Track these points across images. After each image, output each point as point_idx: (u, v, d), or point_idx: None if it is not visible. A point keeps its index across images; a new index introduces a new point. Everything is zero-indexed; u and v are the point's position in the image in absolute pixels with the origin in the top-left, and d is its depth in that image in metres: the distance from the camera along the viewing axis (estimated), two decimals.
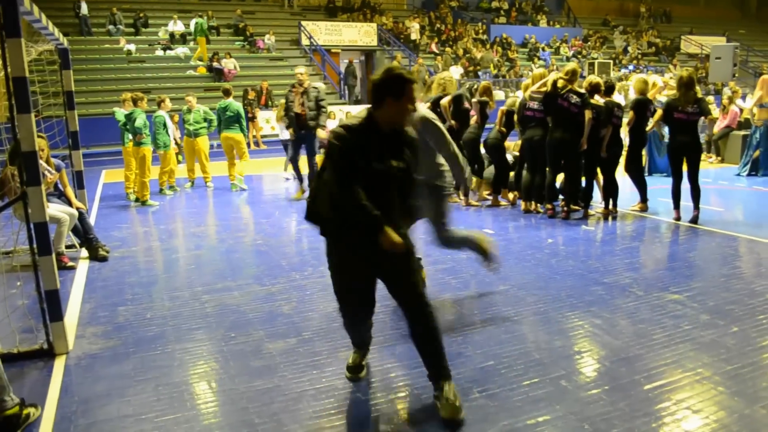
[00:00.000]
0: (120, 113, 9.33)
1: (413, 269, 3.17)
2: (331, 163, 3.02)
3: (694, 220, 7.14)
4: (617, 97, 7.76)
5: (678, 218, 7.25)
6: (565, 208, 7.48)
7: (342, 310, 3.40)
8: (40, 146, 5.50)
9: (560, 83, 7.12)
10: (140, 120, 8.80)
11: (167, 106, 9.76)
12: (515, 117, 8.00)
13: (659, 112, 7.25)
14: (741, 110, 12.72)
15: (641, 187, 7.76)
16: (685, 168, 7.12)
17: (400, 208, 3.19)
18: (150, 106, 9.70)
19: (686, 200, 7.23)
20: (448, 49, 23.89)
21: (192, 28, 20.42)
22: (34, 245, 3.79)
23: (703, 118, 7.22)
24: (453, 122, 7.92)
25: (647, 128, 7.80)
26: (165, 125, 9.49)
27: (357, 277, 3.23)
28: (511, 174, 8.49)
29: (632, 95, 7.76)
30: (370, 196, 2.98)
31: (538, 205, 7.81)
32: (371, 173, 3.00)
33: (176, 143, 10.75)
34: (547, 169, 7.52)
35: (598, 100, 7.27)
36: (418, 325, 3.13)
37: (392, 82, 2.98)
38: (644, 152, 8.84)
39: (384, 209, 3.00)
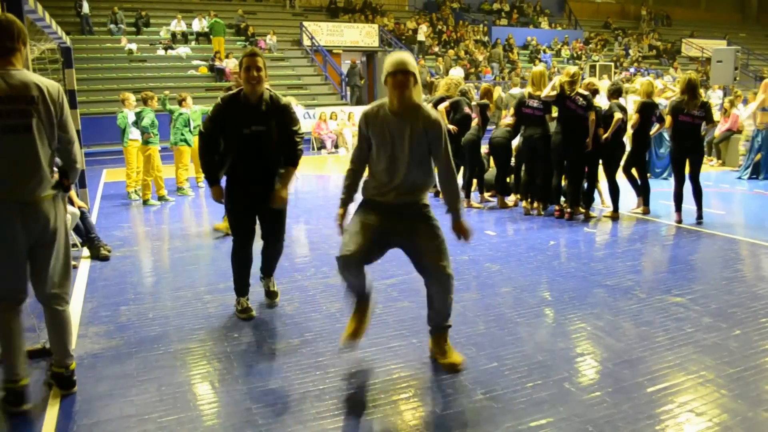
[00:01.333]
0: (124, 115, 9.18)
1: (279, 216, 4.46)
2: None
3: (699, 219, 7.17)
4: (621, 101, 7.76)
5: (679, 221, 7.25)
6: (568, 210, 7.48)
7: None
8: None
9: (567, 87, 7.14)
10: (148, 119, 8.82)
11: (189, 105, 9.73)
12: (513, 114, 7.96)
13: (668, 119, 7.22)
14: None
15: (644, 189, 7.76)
16: (686, 170, 7.15)
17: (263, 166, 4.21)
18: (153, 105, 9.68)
19: (687, 204, 7.24)
20: (450, 51, 23.91)
21: (197, 26, 20.42)
22: None
23: (705, 123, 7.24)
24: (452, 127, 7.94)
25: (651, 132, 7.81)
26: (187, 122, 9.54)
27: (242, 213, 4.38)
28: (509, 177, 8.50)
29: (621, 100, 7.69)
30: (240, 155, 4.16)
31: (540, 206, 7.81)
32: (240, 137, 4.10)
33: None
34: (553, 171, 7.54)
35: (598, 102, 7.33)
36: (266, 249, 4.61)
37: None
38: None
39: (251, 166, 4.17)
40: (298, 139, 4.28)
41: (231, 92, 4.26)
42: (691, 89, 7.04)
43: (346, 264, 3.35)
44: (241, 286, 4.55)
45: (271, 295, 4.77)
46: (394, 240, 3.50)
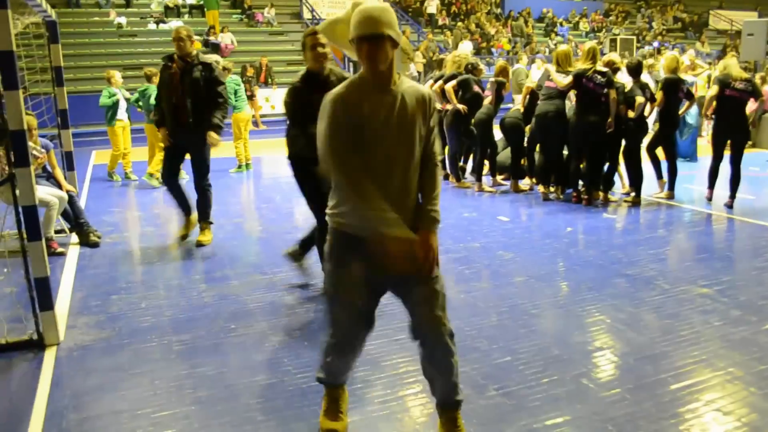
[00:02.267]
0: (111, 93, 9.22)
1: None
2: None
3: (729, 206, 7.19)
4: (645, 78, 7.71)
5: (710, 198, 7.35)
6: (586, 196, 7.46)
7: None
8: (29, 125, 5.52)
9: (586, 65, 7.12)
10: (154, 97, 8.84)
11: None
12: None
13: (714, 89, 7.20)
14: None
15: (671, 172, 7.70)
16: (727, 152, 7.14)
17: None
18: (142, 82, 9.67)
19: (720, 188, 7.20)
20: (459, 23, 23.73)
21: None
22: (23, 230, 3.79)
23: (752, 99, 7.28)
24: (461, 106, 7.89)
25: (681, 111, 7.76)
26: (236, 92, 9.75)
27: None
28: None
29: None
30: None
31: (559, 189, 7.78)
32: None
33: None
34: (571, 152, 7.51)
35: (620, 79, 7.28)
36: None
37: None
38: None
39: None
40: None
41: (302, 75, 4.40)
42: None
43: (343, 351, 2.80)
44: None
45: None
46: (387, 288, 2.77)
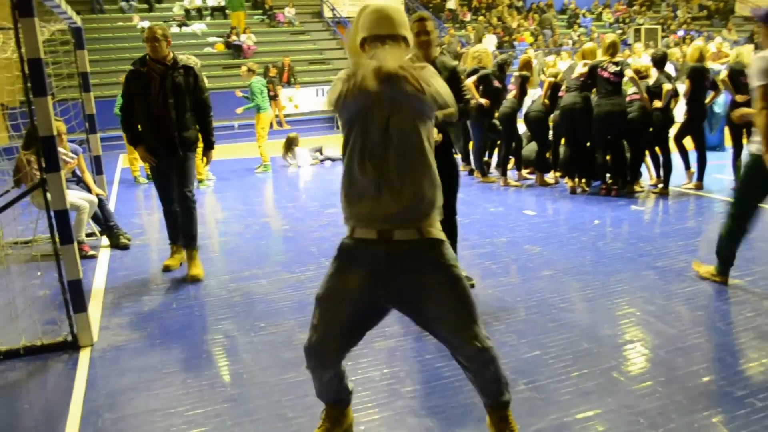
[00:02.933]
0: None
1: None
2: None
3: None
4: (669, 67, 7.65)
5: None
6: (615, 187, 7.43)
7: None
8: (58, 130, 5.64)
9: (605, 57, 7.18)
10: None
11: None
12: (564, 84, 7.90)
13: (723, 73, 7.24)
14: None
15: (700, 163, 7.61)
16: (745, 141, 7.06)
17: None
18: None
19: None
20: (480, 17, 23.61)
21: (212, 1, 20.50)
22: (55, 234, 3.86)
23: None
24: (484, 101, 7.87)
25: (707, 100, 7.68)
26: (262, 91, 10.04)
27: None
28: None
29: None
30: None
31: (584, 181, 7.73)
32: None
33: None
34: (595, 144, 7.47)
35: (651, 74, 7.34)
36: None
37: None
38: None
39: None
40: (467, 96, 4.36)
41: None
42: None
43: (313, 357, 2.60)
44: None
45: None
46: (391, 306, 2.58)
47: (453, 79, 4.21)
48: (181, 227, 5.28)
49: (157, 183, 5.34)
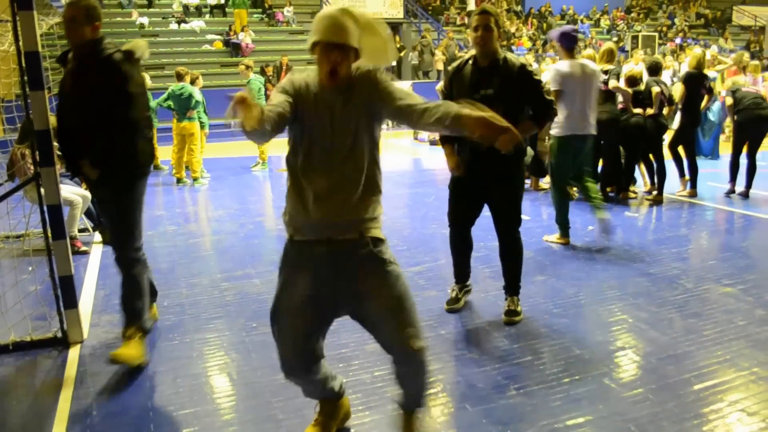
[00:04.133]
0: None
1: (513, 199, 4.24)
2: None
3: (745, 195, 7.48)
4: (665, 76, 7.71)
5: (732, 191, 7.58)
6: (600, 192, 7.47)
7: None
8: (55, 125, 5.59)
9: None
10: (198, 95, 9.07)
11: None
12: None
13: (730, 99, 7.41)
14: None
15: (692, 170, 7.64)
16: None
17: None
18: (164, 82, 9.80)
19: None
20: None
21: None
22: (48, 229, 3.84)
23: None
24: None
25: (701, 106, 7.76)
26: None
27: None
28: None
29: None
30: None
31: (574, 189, 7.74)
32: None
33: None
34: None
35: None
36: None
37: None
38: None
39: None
40: (547, 99, 3.97)
41: (462, 58, 4.16)
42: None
43: (290, 370, 2.63)
44: (457, 272, 4.49)
45: (510, 313, 4.20)
46: (339, 310, 2.62)
47: (522, 78, 3.92)
48: (121, 295, 3.73)
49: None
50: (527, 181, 8.46)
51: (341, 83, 2.40)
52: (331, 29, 2.36)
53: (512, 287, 4.27)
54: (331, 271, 2.47)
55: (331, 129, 2.39)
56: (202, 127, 9.47)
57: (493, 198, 4.15)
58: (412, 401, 2.71)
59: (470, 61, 4.01)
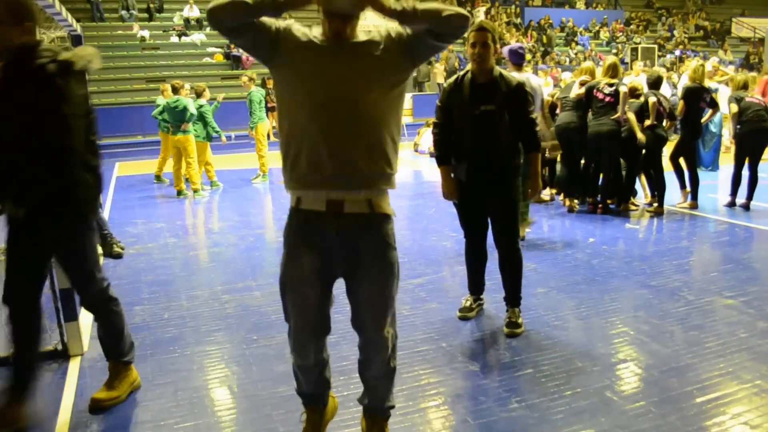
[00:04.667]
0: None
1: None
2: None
3: (746, 206, 7.48)
4: (665, 88, 7.75)
5: (733, 203, 7.59)
6: (600, 204, 7.48)
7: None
8: None
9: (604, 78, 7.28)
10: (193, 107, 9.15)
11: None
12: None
13: (734, 107, 7.45)
14: None
15: (693, 182, 7.66)
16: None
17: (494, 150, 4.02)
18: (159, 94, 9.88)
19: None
20: None
21: None
22: None
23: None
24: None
25: (703, 119, 7.81)
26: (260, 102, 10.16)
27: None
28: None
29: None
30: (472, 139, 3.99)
31: (575, 201, 7.75)
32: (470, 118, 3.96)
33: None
34: (585, 162, 7.53)
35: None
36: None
37: None
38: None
39: (480, 151, 3.99)
40: (533, 129, 4.05)
41: (459, 74, 4.12)
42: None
43: (299, 344, 2.63)
44: (471, 284, 4.52)
45: (511, 325, 4.18)
46: (338, 274, 2.61)
47: (514, 98, 3.94)
48: (100, 334, 3.43)
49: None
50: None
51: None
52: None
53: (513, 299, 4.28)
54: (337, 241, 2.48)
55: None
56: (208, 138, 9.54)
57: (491, 212, 4.18)
58: (379, 403, 2.77)
59: (467, 77, 4.03)
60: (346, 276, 2.58)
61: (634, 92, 7.39)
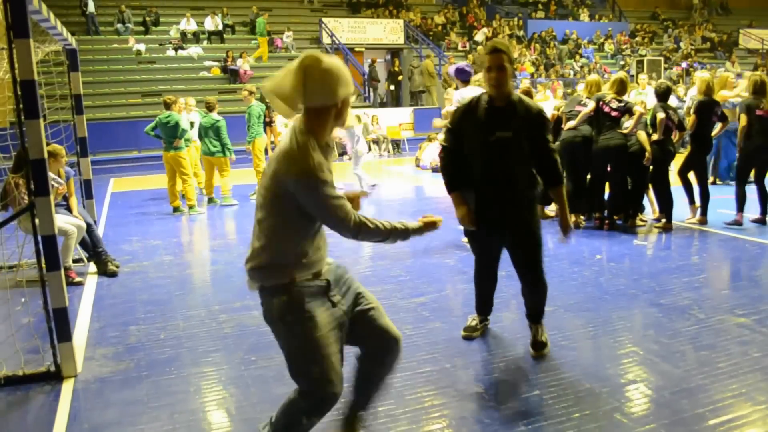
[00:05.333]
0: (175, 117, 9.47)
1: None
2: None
3: (761, 221, 7.50)
4: (673, 100, 7.78)
5: (740, 222, 7.51)
6: (607, 220, 7.49)
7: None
8: (60, 154, 5.63)
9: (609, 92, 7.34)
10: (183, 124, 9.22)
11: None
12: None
13: (744, 118, 7.40)
14: None
15: (703, 197, 7.65)
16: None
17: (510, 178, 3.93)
18: (159, 109, 9.92)
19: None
20: (480, 48, 23.89)
21: (209, 25, 20.73)
22: (42, 260, 3.84)
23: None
24: None
25: (714, 133, 7.80)
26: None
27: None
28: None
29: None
30: (484, 165, 3.92)
31: (581, 216, 7.75)
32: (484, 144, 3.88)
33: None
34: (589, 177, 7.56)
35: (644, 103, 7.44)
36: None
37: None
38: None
39: (496, 178, 3.90)
40: (554, 159, 3.92)
41: (474, 96, 4.02)
42: (762, 89, 7.41)
43: (337, 395, 2.64)
44: (480, 305, 4.47)
45: (537, 346, 4.13)
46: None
47: (533, 124, 3.84)
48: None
49: None
50: None
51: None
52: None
53: (536, 316, 4.20)
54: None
55: None
56: (224, 153, 9.66)
57: (509, 245, 4.07)
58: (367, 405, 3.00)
59: (483, 98, 3.91)
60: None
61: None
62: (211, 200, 9.99)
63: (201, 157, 10.03)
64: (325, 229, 2.65)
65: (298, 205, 2.46)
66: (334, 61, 2.45)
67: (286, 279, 2.55)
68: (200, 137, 9.80)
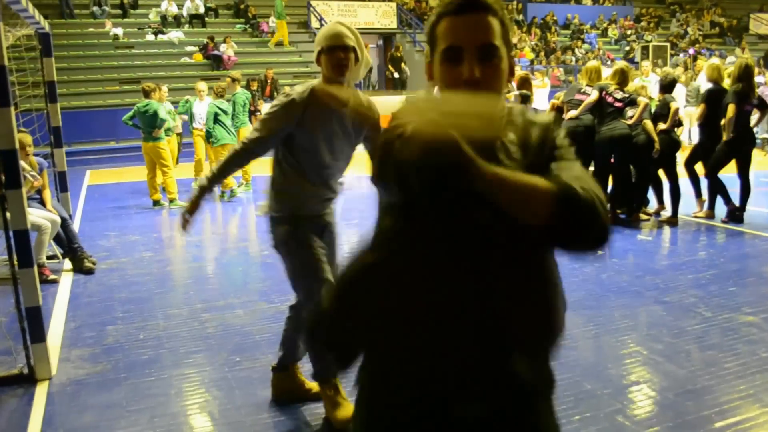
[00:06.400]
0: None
1: None
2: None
3: (739, 218, 7.49)
4: (678, 89, 7.81)
5: (738, 214, 7.58)
6: (610, 214, 7.52)
7: None
8: (24, 143, 5.60)
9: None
10: (162, 112, 9.16)
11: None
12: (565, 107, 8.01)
13: (732, 108, 7.38)
14: None
15: (712, 190, 7.67)
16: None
17: None
18: (138, 97, 9.85)
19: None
20: None
21: (189, 8, 20.66)
22: (14, 256, 3.83)
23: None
24: None
25: (752, 124, 7.84)
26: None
27: None
28: None
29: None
30: None
31: None
32: None
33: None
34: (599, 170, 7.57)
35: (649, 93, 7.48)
36: None
37: None
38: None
39: None
40: None
41: None
42: (750, 75, 7.37)
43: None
44: None
45: None
46: None
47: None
48: None
49: None
50: None
51: None
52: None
53: None
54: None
55: None
56: (211, 141, 9.56)
57: None
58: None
59: None
60: None
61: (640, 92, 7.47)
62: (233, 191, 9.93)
63: (213, 148, 9.71)
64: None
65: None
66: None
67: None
68: (210, 126, 9.59)
